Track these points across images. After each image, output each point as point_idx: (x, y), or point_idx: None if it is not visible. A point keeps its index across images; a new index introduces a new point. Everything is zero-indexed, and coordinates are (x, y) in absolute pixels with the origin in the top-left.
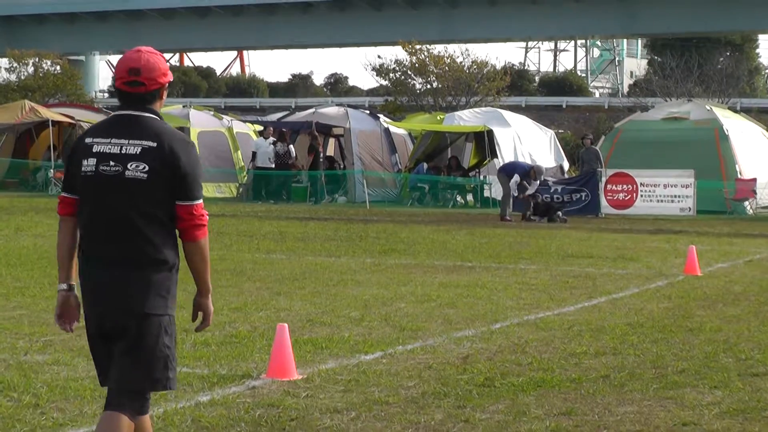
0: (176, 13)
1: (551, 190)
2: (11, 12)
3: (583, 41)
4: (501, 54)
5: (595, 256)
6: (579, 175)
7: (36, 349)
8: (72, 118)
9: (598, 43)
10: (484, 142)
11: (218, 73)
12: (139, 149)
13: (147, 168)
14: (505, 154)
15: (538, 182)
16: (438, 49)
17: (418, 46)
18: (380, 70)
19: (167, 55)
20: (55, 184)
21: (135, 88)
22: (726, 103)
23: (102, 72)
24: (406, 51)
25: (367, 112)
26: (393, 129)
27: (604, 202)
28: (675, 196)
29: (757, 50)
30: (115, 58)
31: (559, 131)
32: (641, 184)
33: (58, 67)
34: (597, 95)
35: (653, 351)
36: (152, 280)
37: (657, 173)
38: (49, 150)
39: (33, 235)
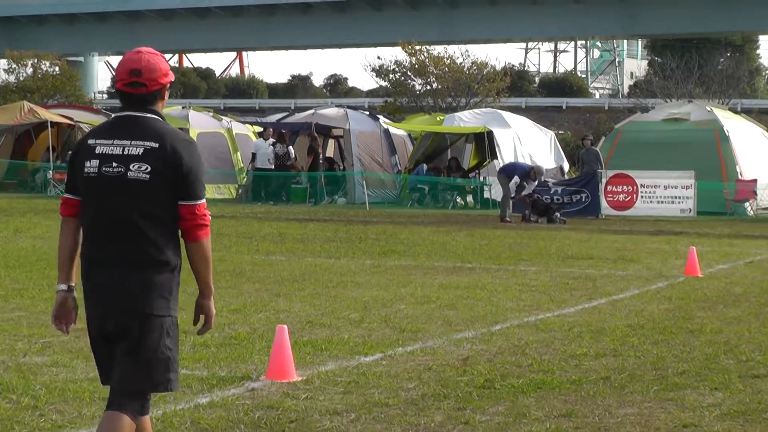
0: (176, 14)
1: (551, 192)
2: (11, 13)
3: (583, 42)
4: (501, 55)
5: (595, 257)
6: (579, 176)
7: (35, 351)
8: (71, 119)
9: (599, 43)
10: (484, 143)
11: (218, 74)
12: (142, 150)
13: (149, 169)
14: (505, 155)
15: (536, 182)
16: (438, 50)
17: (417, 47)
18: (380, 71)
19: (166, 56)
20: (54, 185)
21: (136, 89)
22: (726, 104)
23: (101, 73)
24: (405, 52)
25: (367, 113)
26: (393, 130)
27: (604, 203)
28: (675, 197)
29: (758, 51)
30: (114, 59)
31: (559, 132)
32: (641, 185)
33: (56, 68)
34: (597, 96)
35: (654, 352)
36: (154, 281)
37: (657, 174)
38: (48, 151)
39: (32, 236)
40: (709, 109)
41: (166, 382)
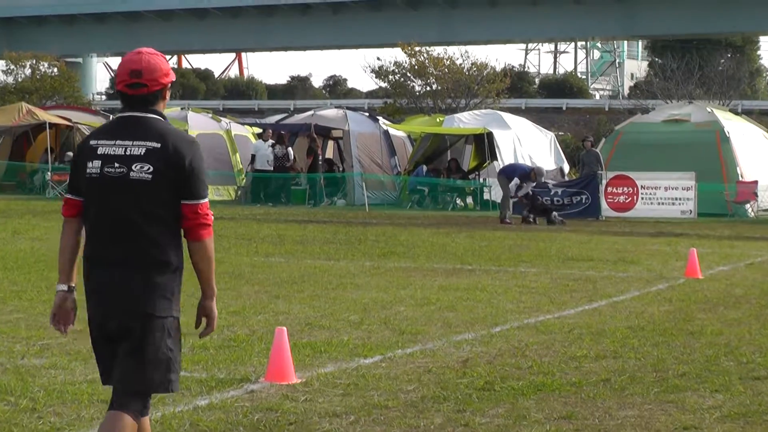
0: (174, 15)
1: (551, 193)
2: (10, 14)
3: (584, 43)
4: (501, 56)
5: (595, 259)
6: (579, 178)
7: (33, 353)
8: (69, 120)
9: (599, 44)
10: (483, 144)
11: (216, 75)
12: (144, 150)
13: (151, 169)
14: (505, 156)
15: (534, 183)
16: (437, 50)
17: (417, 48)
18: (379, 72)
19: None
20: (53, 186)
21: (137, 90)
22: (727, 105)
23: (99, 74)
24: (405, 53)
25: (366, 114)
26: (392, 131)
27: (604, 204)
28: (676, 199)
29: (759, 52)
30: (113, 60)
31: (559, 133)
32: (642, 186)
33: (55, 69)
34: (597, 97)
35: (654, 354)
36: (156, 281)
37: (658, 176)
38: (47, 153)
39: (30, 238)
40: (709, 110)
41: (167, 382)
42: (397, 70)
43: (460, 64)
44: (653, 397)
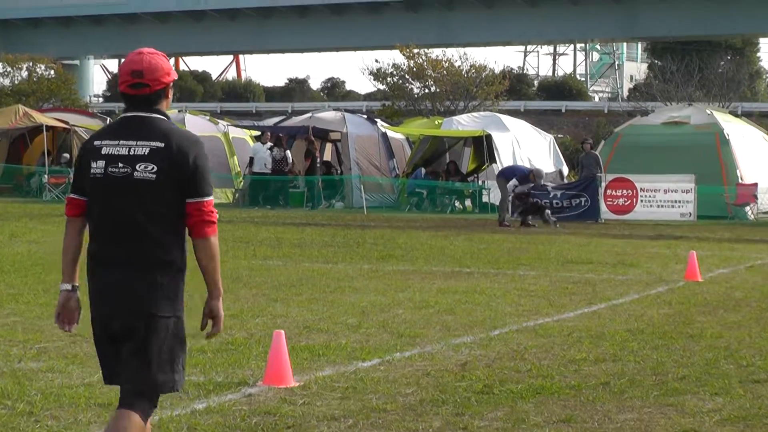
0: (172, 17)
1: (550, 196)
2: (6, 16)
3: (583, 45)
4: (500, 58)
5: (594, 261)
6: (578, 180)
7: (30, 357)
8: (66, 123)
9: (598, 46)
10: (482, 146)
11: (214, 78)
12: (147, 150)
13: (155, 168)
14: (504, 158)
15: (533, 184)
16: (436, 53)
17: (415, 50)
18: (378, 75)
19: None
20: (50, 189)
21: (139, 90)
22: (727, 107)
23: (96, 76)
24: (403, 55)
25: (365, 116)
26: (390, 134)
27: (603, 207)
28: (675, 201)
29: (758, 54)
30: (110, 62)
31: (559, 136)
32: (641, 189)
33: (52, 72)
34: (597, 99)
35: (653, 357)
36: (160, 281)
37: (657, 178)
38: (44, 155)
39: (27, 241)
40: (709, 112)
41: (171, 382)
42: (395, 72)
43: (459, 66)
44: (653, 401)
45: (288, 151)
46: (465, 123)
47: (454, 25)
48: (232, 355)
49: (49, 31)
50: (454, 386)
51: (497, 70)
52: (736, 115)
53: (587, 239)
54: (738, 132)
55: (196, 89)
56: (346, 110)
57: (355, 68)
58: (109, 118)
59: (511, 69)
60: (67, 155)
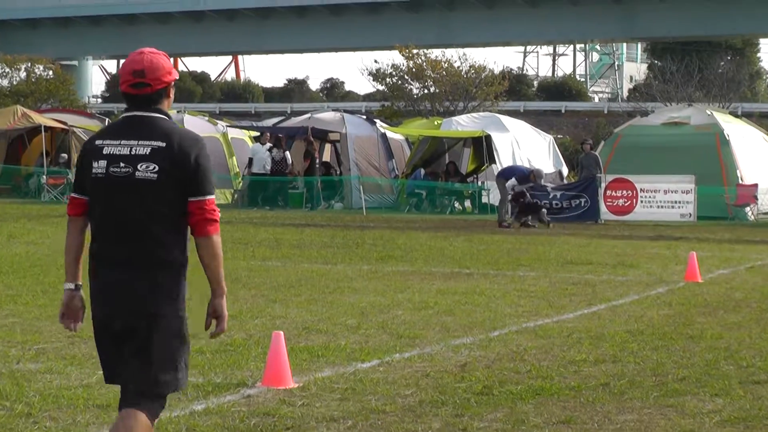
0: (171, 18)
1: (550, 196)
2: (4, 16)
3: (582, 45)
4: (499, 58)
5: (594, 262)
6: (578, 181)
7: (28, 358)
8: (65, 123)
9: (598, 47)
10: (482, 147)
11: (213, 78)
12: (149, 150)
13: (157, 168)
14: (504, 159)
15: (532, 184)
16: (435, 53)
17: (415, 51)
18: (377, 75)
19: None
20: (48, 190)
21: (141, 89)
22: (727, 107)
23: (95, 77)
24: (403, 55)
25: (364, 117)
26: (390, 134)
27: (603, 208)
28: (675, 202)
29: (759, 54)
30: (108, 63)
31: (558, 136)
32: (641, 189)
33: (50, 72)
34: (596, 100)
35: (653, 358)
36: (162, 281)
37: (657, 179)
38: (42, 156)
39: (25, 242)
40: (709, 112)
41: (175, 381)
42: (394, 73)
43: (458, 67)
44: (653, 402)
45: (287, 153)
46: (464, 123)
47: (454, 26)
48: (231, 356)
49: (48, 32)
50: (454, 387)
51: (497, 71)
52: (737, 116)
53: (587, 240)
54: (738, 132)
55: (195, 90)
56: (346, 111)
57: (355, 69)
58: (107, 119)
59: (511, 69)
60: (65, 155)
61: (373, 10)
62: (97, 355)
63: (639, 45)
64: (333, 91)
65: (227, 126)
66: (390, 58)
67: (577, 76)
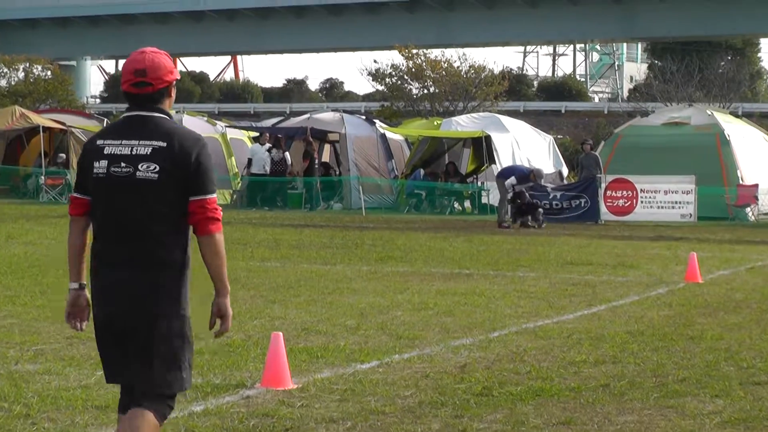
0: (169, 18)
1: (550, 197)
2: (3, 16)
3: (582, 45)
4: (499, 58)
5: (594, 263)
6: (578, 181)
7: (27, 359)
8: (63, 124)
9: (598, 47)
10: (482, 147)
11: (212, 78)
12: (150, 150)
13: (158, 168)
14: (503, 159)
15: (532, 184)
16: (435, 53)
17: (414, 51)
18: (376, 75)
19: None
20: (46, 191)
21: (142, 88)
22: (727, 107)
23: (93, 77)
24: (402, 55)
25: (363, 117)
26: (389, 135)
27: (603, 208)
28: (676, 203)
29: (759, 54)
30: (106, 63)
31: (558, 136)
32: (641, 190)
33: (49, 73)
34: (596, 100)
35: (653, 359)
36: (163, 281)
37: (657, 179)
38: (40, 156)
39: (24, 242)
40: (709, 113)
41: (180, 381)
42: (394, 73)
43: (458, 67)
44: (653, 403)
45: (287, 153)
46: (464, 124)
47: (454, 26)
48: (229, 357)
49: (46, 32)
50: (453, 388)
51: (496, 71)
52: (737, 116)
53: (587, 240)
54: (738, 133)
55: (194, 90)
56: (345, 111)
57: (354, 69)
58: (106, 119)
59: (511, 69)
60: (63, 155)
61: (373, 9)
62: (97, 355)
63: (639, 45)
64: (332, 91)
65: (226, 126)
66: (389, 58)
67: (577, 76)
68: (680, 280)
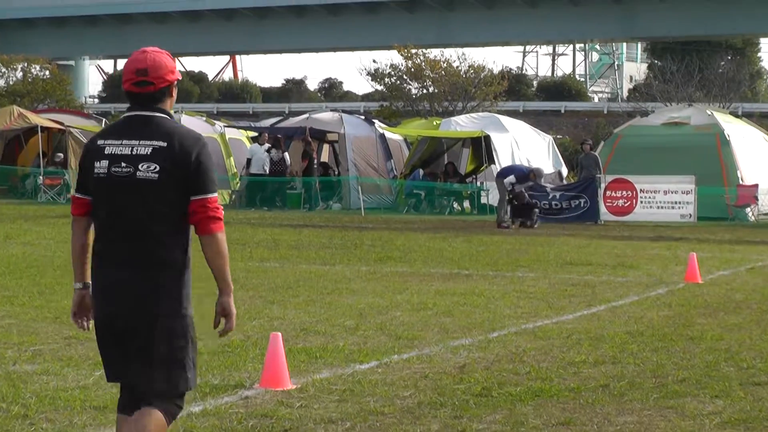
0: (168, 17)
1: (549, 197)
2: (0, 16)
3: (582, 45)
4: (498, 58)
5: (594, 263)
6: (578, 182)
7: (25, 359)
8: (61, 123)
9: (597, 47)
10: (481, 147)
11: (210, 78)
12: (150, 149)
13: (158, 168)
14: (503, 159)
15: (531, 183)
16: (434, 53)
17: (414, 51)
18: (375, 75)
19: None
20: (45, 191)
21: (143, 88)
22: (727, 107)
23: (92, 77)
24: (401, 55)
25: (362, 117)
26: (388, 135)
27: (603, 208)
28: (675, 203)
29: (759, 54)
30: (105, 63)
31: (558, 136)
32: (641, 190)
33: (47, 72)
34: (596, 100)
35: (653, 360)
36: (164, 281)
37: (657, 179)
38: (39, 156)
39: (22, 243)
40: (709, 113)
41: (185, 380)
42: (393, 73)
43: (457, 67)
44: (652, 403)
45: (286, 154)
46: (463, 124)
47: (453, 25)
48: (228, 357)
49: (44, 32)
50: (453, 389)
51: (496, 71)
52: (737, 116)
53: (587, 241)
54: (738, 133)
55: (193, 90)
56: (344, 111)
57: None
58: (104, 119)
59: (510, 69)
60: (60, 155)
61: (372, 9)
62: (96, 356)
63: (639, 45)
64: (331, 91)
65: (225, 126)
66: (388, 58)
67: (577, 76)
68: (680, 281)
